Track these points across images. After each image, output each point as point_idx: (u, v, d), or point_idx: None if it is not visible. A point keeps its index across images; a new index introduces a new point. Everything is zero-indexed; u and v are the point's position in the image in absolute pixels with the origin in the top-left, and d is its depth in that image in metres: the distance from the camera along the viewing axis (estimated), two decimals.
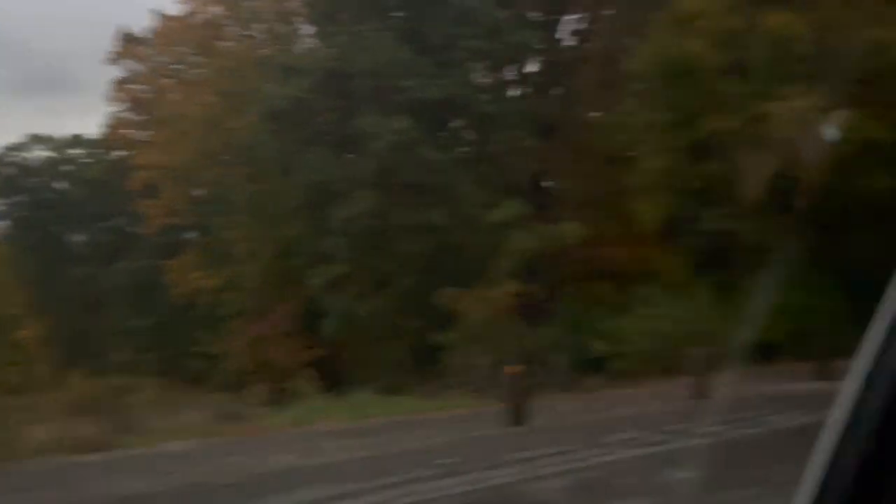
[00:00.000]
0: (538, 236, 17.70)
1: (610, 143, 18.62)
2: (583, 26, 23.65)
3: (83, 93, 53.24)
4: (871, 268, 16.50)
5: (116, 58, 30.16)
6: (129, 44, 30.08)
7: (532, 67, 23.13)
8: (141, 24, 30.42)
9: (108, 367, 29.13)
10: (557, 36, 23.49)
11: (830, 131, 15.93)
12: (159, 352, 30.73)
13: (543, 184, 21.13)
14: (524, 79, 23.16)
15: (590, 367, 16.34)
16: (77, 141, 37.84)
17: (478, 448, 7.32)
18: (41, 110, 54.93)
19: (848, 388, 0.79)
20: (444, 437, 7.93)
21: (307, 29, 23.43)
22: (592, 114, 21.59)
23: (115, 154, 34.03)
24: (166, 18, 29.07)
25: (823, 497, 0.78)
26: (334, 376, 21.09)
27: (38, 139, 38.17)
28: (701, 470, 4.75)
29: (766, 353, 16.67)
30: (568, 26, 23.84)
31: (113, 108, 31.32)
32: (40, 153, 38.51)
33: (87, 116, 66.37)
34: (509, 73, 22.99)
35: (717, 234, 17.27)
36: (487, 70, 21.75)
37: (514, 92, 23.17)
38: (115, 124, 31.93)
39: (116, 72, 30.14)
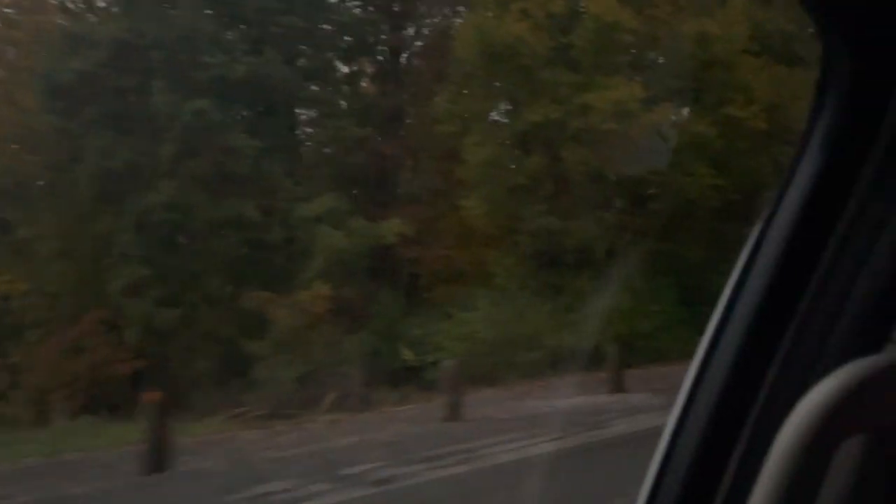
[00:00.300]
0: (358, 234, 16.01)
1: (443, 135, 17.21)
2: (429, 12, 22.28)
3: None
4: (703, 270, 15.86)
5: None
6: None
7: (374, 52, 21.52)
8: None
9: None
10: (402, 21, 21.99)
11: (657, 126, 15.19)
12: None
13: (377, 178, 19.50)
14: (362, 64, 21.49)
15: (402, 377, 14.84)
16: None
17: None
18: None
19: (681, 394, 0.79)
20: (49, 492, 6.09)
21: None
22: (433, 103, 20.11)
23: None
24: None
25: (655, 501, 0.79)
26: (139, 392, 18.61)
27: None
28: None
29: (594, 358, 15.80)
30: (414, 11, 22.40)
31: None
32: None
33: None
34: (344, 57, 21.22)
35: (547, 233, 16.23)
36: (315, 51, 19.85)
37: (350, 77, 21.44)
38: None
39: None
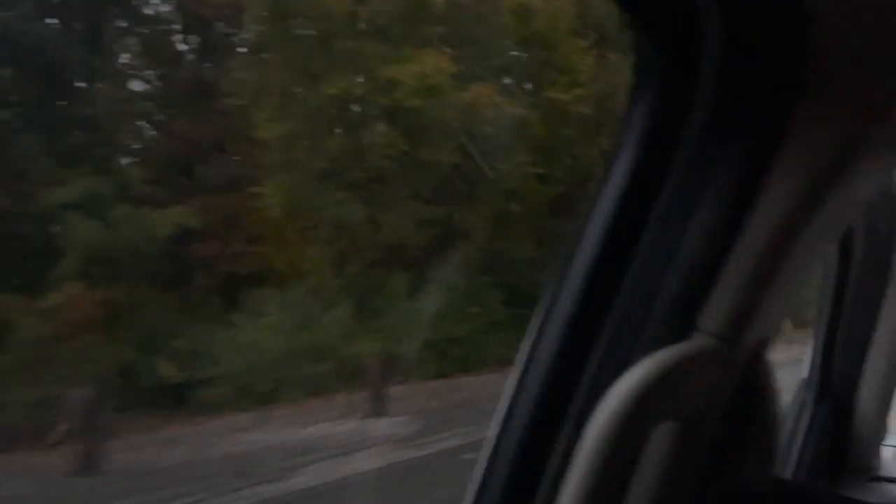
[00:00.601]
0: (123, 225, 13.38)
1: (234, 110, 14.88)
2: None
3: None
4: (530, 268, 14.37)
5: None
6: None
7: (191, 22, 18.81)
8: None
9: None
10: None
11: (471, 106, 13.60)
12: None
13: (172, 161, 16.87)
14: (172, 35, 18.73)
15: (170, 397, 12.39)
16: None
17: None
18: None
19: (507, 391, 0.81)
20: None
21: None
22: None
23: None
24: None
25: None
26: None
27: None
28: None
29: (396, 369, 14.03)
30: None
31: None
32: None
33: None
34: (163, 29, 18.41)
35: (353, 226, 14.28)
36: (116, 16, 16.95)
37: (165, 49, 18.61)
38: None
39: None
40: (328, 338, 12.99)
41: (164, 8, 18.07)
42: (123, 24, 17.38)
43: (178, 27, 18.46)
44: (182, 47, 18.22)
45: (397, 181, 14.02)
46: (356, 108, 13.34)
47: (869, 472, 1.70)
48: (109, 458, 6.78)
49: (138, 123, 16.29)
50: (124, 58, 17.29)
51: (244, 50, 14.46)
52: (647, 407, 0.67)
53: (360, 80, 12.97)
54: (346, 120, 13.65)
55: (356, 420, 8.23)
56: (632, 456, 0.69)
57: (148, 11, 17.92)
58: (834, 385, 1.46)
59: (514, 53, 14.11)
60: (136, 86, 16.97)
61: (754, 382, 0.81)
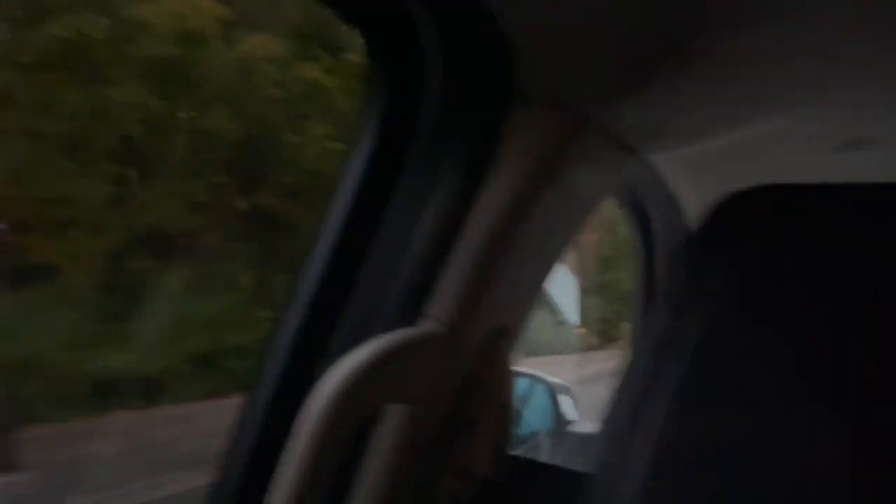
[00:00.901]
0: None
1: None
2: None
3: None
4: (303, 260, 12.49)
5: None
6: None
7: None
8: None
9: None
10: None
11: (253, 62, 11.19)
12: None
13: None
14: None
15: None
16: None
17: None
18: None
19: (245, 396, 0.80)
20: None
21: None
22: None
23: None
24: None
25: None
26: None
27: None
28: None
29: (156, 388, 11.40)
30: None
31: None
32: None
33: None
34: None
35: (102, 208, 11.45)
36: None
37: None
38: None
39: None
40: (51, 350, 10.10)
41: None
42: None
43: None
44: None
45: (161, 153, 11.33)
46: (99, 57, 10.56)
47: None
48: None
49: None
50: None
51: None
52: (366, 389, 0.69)
53: (98, 18, 10.22)
54: (85, 72, 10.81)
55: None
56: (354, 436, 0.71)
57: None
58: None
59: (307, 4, 11.87)
60: None
61: (486, 368, 0.84)
